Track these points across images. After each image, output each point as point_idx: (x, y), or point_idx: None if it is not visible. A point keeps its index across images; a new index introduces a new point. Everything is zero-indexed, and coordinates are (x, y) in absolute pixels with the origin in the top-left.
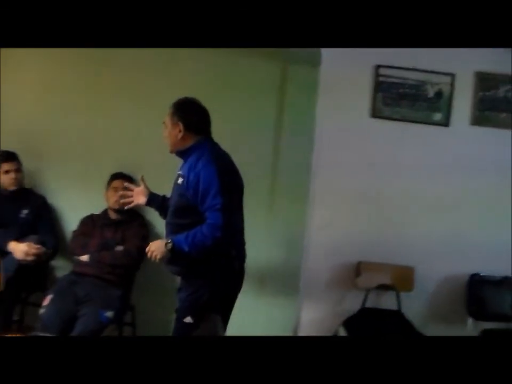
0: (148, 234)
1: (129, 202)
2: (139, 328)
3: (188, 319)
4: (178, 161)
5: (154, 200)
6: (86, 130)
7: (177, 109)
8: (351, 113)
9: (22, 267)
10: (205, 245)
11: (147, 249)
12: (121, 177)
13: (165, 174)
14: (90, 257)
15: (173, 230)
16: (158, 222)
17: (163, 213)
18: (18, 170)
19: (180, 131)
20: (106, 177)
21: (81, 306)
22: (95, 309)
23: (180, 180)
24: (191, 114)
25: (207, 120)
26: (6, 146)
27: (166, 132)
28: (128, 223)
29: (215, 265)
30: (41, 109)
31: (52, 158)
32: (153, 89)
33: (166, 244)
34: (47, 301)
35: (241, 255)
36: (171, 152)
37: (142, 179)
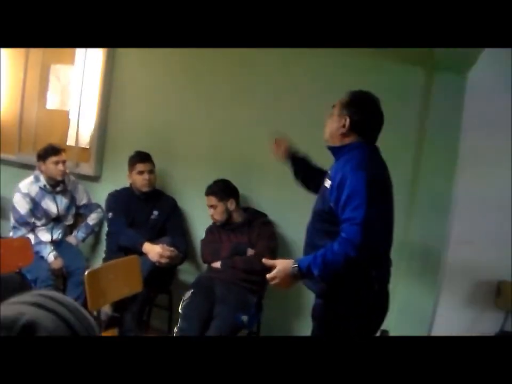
0: (274, 231)
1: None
2: (263, 331)
3: None
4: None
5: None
6: (215, 131)
7: (351, 101)
8: (499, 122)
9: (155, 269)
10: (337, 266)
11: (270, 276)
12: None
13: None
14: (222, 264)
15: (312, 236)
16: (281, 221)
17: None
18: (152, 171)
19: (343, 126)
20: (232, 179)
21: (218, 305)
22: (232, 310)
23: (327, 182)
24: (362, 113)
25: (377, 123)
26: (137, 147)
27: (330, 117)
28: (252, 222)
29: (354, 288)
30: (170, 110)
31: (180, 159)
32: (288, 90)
33: (290, 273)
34: (186, 296)
35: (384, 276)
36: (326, 141)
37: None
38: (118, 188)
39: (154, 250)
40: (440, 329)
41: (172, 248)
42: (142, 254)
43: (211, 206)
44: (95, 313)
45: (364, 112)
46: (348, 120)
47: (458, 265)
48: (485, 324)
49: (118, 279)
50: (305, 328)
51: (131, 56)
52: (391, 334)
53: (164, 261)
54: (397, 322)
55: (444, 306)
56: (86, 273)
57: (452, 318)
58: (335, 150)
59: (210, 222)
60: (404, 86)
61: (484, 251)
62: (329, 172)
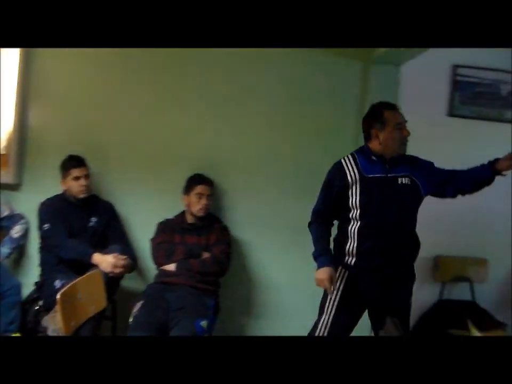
0: (230, 239)
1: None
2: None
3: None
4: (248, 163)
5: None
6: (150, 131)
7: None
8: (429, 112)
9: (108, 280)
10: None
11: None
12: (204, 182)
13: (235, 175)
14: (177, 266)
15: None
16: (236, 226)
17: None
18: (88, 176)
19: None
20: (171, 179)
21: (174, 314)
22: (190, 318)
23: (406, 180)
24: None
25: None
26: (67, 152)
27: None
28: (209, 227)
29: None
30: (101, 111)
31: (113, 162)
32: (223, 88)
33: None
34: (137, 307)
35: None
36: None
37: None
38: (42, 195)
39: (106, 261)
40: None
41: (125, 257)
42: (90, 266)
43: (207, 196)
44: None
45: None
46: None
47: None
48: (425, 295)
49: (84, 297)
50: (257, 326)
51: (51, 54)
52: None
53: (118, 270)
54: None
55: None
56: (59, 296)
57: None
58: (395, 158)
59: (149, 225)
60: (343, 77)
61: (422, 228)
62: (394, 175)
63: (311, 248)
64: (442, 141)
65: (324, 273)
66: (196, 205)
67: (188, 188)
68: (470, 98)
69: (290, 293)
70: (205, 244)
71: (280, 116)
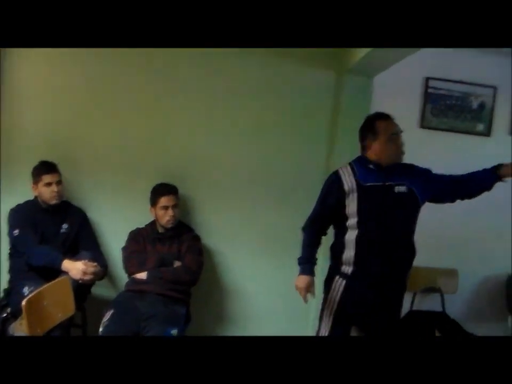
0: (202, 248)
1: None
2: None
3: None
4: (219, 171)
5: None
6: (123, 138)
7: None
8: (401, 123)
9: (78, 287)
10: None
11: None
12: (168, 193)
13: (206, 183)
14: (149, 275)
15: (406, 237)
16: (207, 235)
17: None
18: (60, 182)
19: None
20: (144, 187)
21: (145, 323)
22: (161, 326)
23: (403, 188)
24: None
25: None
26: (40, 157)
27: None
28: (181, 236)
29: None
30: (75, 116)
31: (86, 168)
32: (197, 94)
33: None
34: (107, 316)
35: None
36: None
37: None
38: (13, 201)
39: (76, 267)
40: None
41: (95, 264)
42: (60, 272)
43: (173, 206)
44: None
45: None
46: None
47: None
48: None
49: (52, 304)
50: (229, 334)
51: (24, 56)
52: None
53: (87, 277)
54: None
55: None
56: (24, 303)
57: None
58: (392, 166)
59: (121, 233)
60: (316, 88)
61: None
62: (391, 183)
63: (282, 256)
64: (414, 152)
65: (302, 281)
66: (163, 217)
67: (153, 200)
68: (441, 110)
69: (261, 300)
70: (176, 252)
71: (253, 125)
